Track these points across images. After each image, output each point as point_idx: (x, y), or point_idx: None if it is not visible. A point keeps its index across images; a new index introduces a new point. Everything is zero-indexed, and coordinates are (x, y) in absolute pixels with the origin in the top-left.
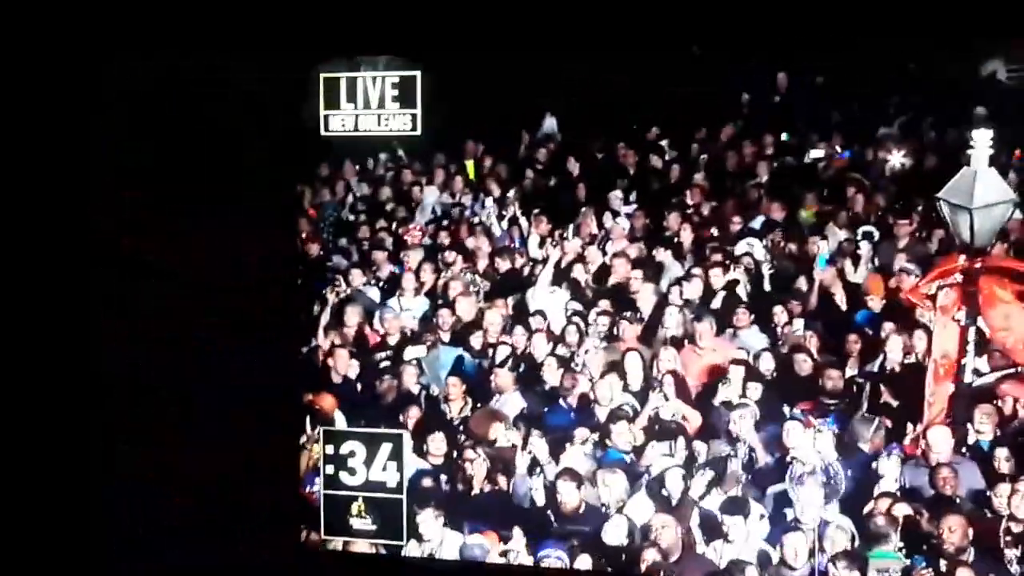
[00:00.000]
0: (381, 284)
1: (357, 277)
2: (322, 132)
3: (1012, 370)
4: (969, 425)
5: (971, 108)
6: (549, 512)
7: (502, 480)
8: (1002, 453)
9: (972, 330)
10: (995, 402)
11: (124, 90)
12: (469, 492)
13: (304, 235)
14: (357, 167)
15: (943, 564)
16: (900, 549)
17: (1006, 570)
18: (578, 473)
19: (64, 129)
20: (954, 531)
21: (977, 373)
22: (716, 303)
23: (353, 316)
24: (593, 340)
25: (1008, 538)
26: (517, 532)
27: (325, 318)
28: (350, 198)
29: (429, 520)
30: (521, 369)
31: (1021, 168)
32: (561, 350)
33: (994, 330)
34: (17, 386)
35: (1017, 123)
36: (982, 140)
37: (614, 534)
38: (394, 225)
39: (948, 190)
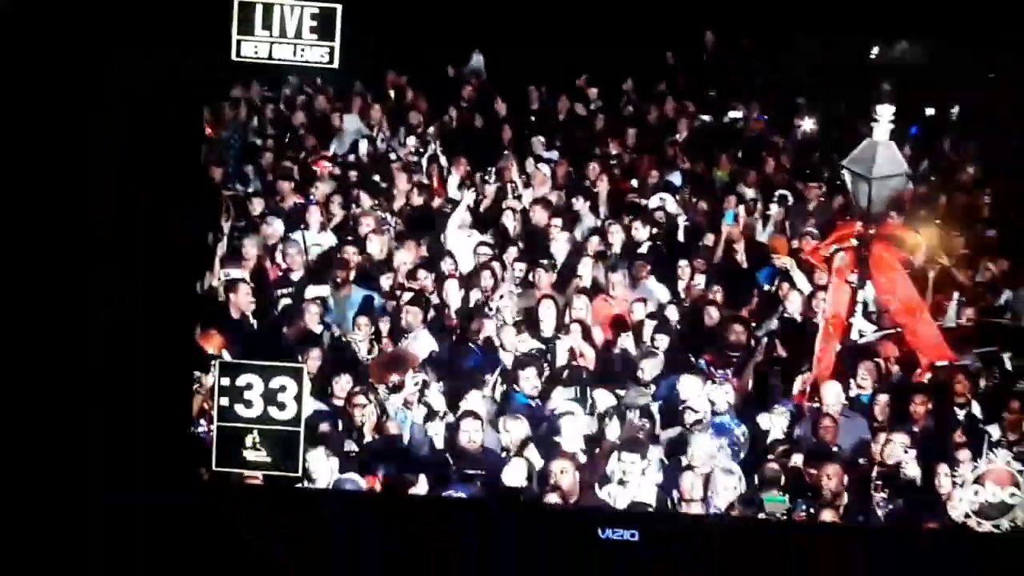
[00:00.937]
0: (285, 216)
1: (258, 207)
2: (233, 56)
3: (892, 331)
4: (852, 380)
5: (878, 83)
6: (448, 456)
7: (392, 427)
8: (878, 406)
9: (862, 292)
10: (876, 359)
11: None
12: (360, 439)
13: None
14: (266, 89)
15: (821, 508)
16: (785, 494)
17: (875, 512)
18: (479, 415)
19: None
20: (831, 478)
21: (862, 333)
22: (633, 255)
23: (252, 249)
24: (508, 286)
25: (879, 482)
26: (422, 478)
27: (221, 250)
28: (255, 122)
29: (320, 459)
30: (431, 311)
31: (916, 143)
32: (475, 294)
33: (880, 293)
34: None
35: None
36: (885, 114)
37: (514, 476)
38: (303, 154)
39: (851, 159)
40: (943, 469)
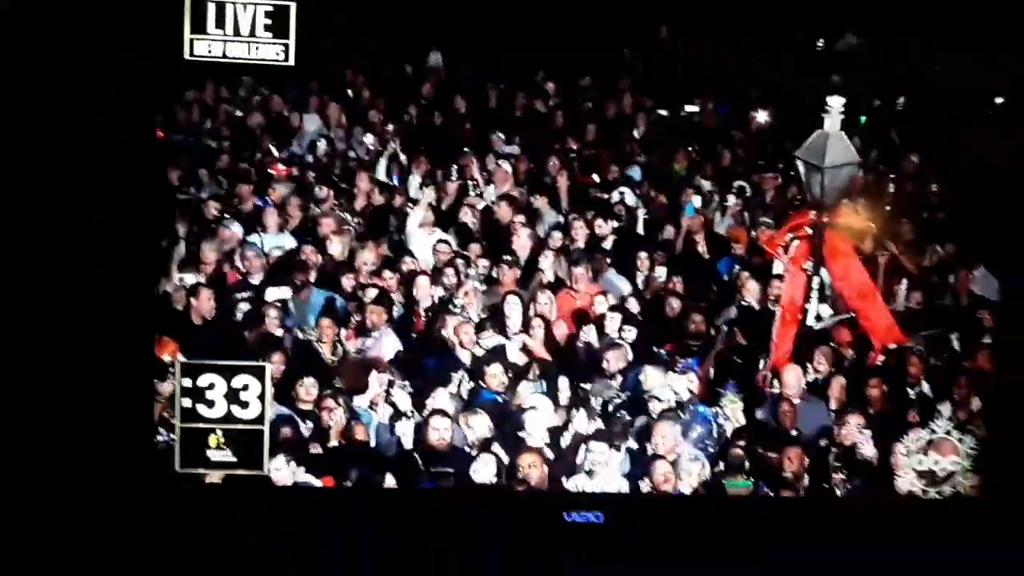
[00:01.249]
0: (243, 218)
1: (213, 209)
2: (186, 55)
3: (847, 316)
4: (809, 364)
5: (829, 76)
6: (416, 455)
7: (360, 432)
8: (834, 390)
9: (816, 279)
10: (831, 344)
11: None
12: (325, 443)
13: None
14: (222, 90)
15: (783, 490)
16: (749, 477)
17: (833, 491)
18: (448, 413)
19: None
20: (793, 461)
21: (818, 318)
22: (596, 249)
23: (210, 253)
24: (473, 283)
25: (836, 464)
26: (390, 478)
27: (179, 254)
28: (209, 124)
29: (282, 467)
30: (396, 310)
31: (865, 133)
32: (437, 292)
33: (834, 279)
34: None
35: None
36: (836, 105)
37: (484, 472)
38: (258, 155)
39: (804, 150)
40: (898, 448)
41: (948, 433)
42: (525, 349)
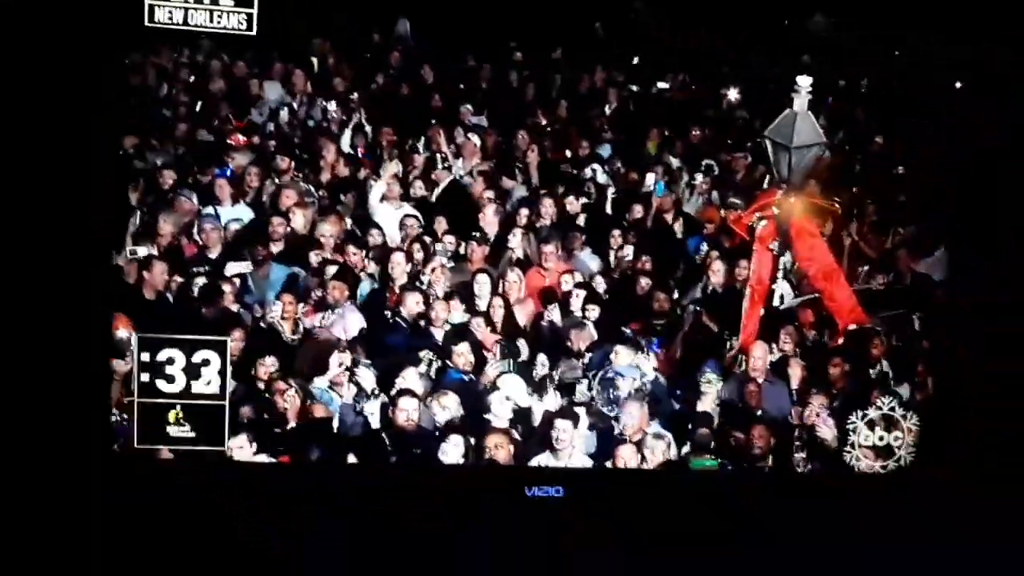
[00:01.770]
0: (201, 189)
1: (169, 179)
2: (146, 22)
3: (812, 296)
4: (774, 344)
5: (798, 56)
6: (383, 435)
7: (319, 410)
8: (796, 370)
9: (783, 259)
10: (796, 323)
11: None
12: (284, 425)
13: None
14: (179, 55)
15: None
16: (715, 457)
17: (794, 469)
18: (416, 393)
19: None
20: (759, 439)
21: (782, 299)
22: (567, 227)
23: (167, 225)
24: (441, 259)
25: (798, 443)
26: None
27: (134, 225)
28: (165, 90)
29: (244, 446)
30: (365, 286)
31: (831, 113)
32: (407, 268)
33: (800, 259)
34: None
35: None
36: (804, 85)
37: (452, 454)
38: (216, 123)
39: (772, 130)
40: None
41: (892, 409)
42: (474, 339)
